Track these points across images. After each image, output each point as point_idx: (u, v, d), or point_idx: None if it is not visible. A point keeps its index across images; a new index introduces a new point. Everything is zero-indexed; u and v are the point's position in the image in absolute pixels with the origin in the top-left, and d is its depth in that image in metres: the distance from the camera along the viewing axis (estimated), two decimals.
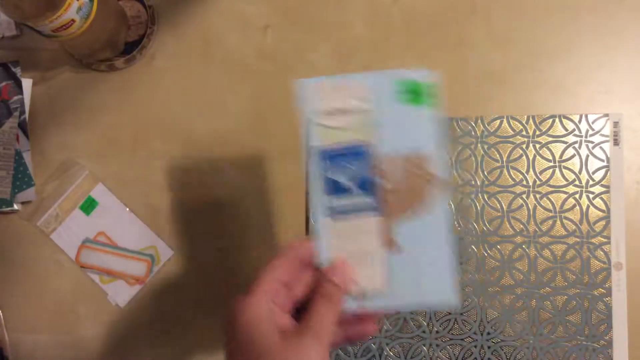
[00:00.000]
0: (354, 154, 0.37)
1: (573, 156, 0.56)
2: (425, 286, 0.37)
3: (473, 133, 0.57)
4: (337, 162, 0.37)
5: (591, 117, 0.56)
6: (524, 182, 0.56)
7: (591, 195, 0.55)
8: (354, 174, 0.37)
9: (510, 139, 0.56)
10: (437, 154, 0.36)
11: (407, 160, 0.36)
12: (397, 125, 0.36)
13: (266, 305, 0.34)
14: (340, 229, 0.37)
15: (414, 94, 0.36)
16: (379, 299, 0.37)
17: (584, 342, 0.54)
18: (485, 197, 0.56)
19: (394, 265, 0.37)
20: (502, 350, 0.55)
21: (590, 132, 0.55)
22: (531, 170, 0.56)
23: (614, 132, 0.55)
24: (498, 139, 0.56)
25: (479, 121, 0.57)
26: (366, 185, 0.37)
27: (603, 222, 0.55)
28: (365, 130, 0.37)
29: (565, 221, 0.55)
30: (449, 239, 0.37)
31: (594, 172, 0.55)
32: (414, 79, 0.37)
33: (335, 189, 0.37)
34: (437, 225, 0.37)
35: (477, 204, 0.56)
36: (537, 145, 0.56)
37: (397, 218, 0.37)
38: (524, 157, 0.56)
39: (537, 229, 0.55)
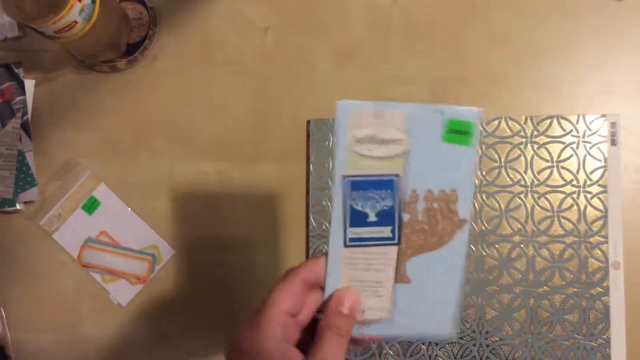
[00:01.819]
0: (382, 184, 0.36)
1: (571, 156, 0.56)
2: (426, 317, 0.37)
3: None
4: (363, 191, 0.36)
5: (589, 118, 0.56)
6: (522, 182, 0.56)
7: (589, 195, 0.55)
8: (379, 205, 0.36)
9: (509, 139, 0.57)
10: (467, 193, 0.35)
11: (435, 197, 0.36)
12: (433, 161, 0.35)
13: (275, 343, 0.33)
14: (355, 258, 0.36)
15: (460, 133, 0.35)
16: (379, 327, 0.37)
17: (582, 341, 0.54)
18: (484, 197, 0.56)
19: (399, 296, 0.37)
20: (501, 348, 0.55)
21: (588, 132, 0.56)
22: (529, 170, 0.56)
23: (612, 132, 0.56)
24: (496, 139, 0.57)
25: None
26: (389, 218, 0.36)
27: (601, 222, 0.55)
28: (398, 162, 0.35)
29: (563, 221, 0.55)
30: (461, 277, 0.36)
31: (591, 172, 0.56)
32: (465, 120, 0.35)
33: (357, 217, 0.36)
34: (450, 263, 0.36)
35: (476, 204, 0.56)
36: (535, 146, 0.56)
37: (415, 253, 0.36)
38: (522, 157, 0.56)
39: (535, 229, 0.56)
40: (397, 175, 0.36)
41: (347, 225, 0.36)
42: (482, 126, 0.35)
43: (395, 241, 0.36)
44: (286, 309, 0.34)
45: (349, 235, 0.36)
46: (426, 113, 0.35)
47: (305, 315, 0.36)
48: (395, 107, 0.35)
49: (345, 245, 0.36)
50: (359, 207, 0.36)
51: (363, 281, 0.36)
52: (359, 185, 0.36)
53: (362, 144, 0.35)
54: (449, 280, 0.36)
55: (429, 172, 0.35)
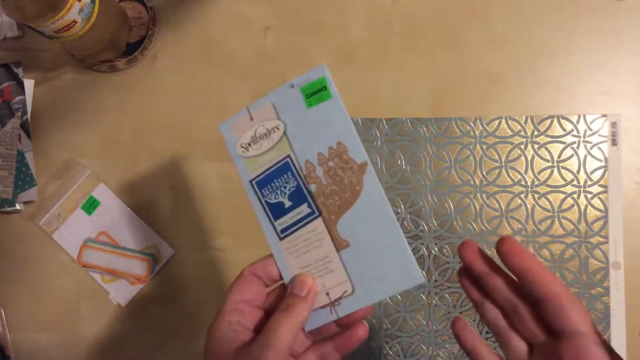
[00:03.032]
0: (280, 171, 0.38)
1: (571, 156, 0.56)
2: (385, 273, 0.36)
3: (472, 133, 0.57)
4: (269, 184, 0.38)
5: (589, 118, 0.56)
6: (523, 182, 0.56)
7: (589, 195, 0.55)
8: (286, 190, 0.38)
9: (509, 139, 0.57)
10: (352, 139, 0.36)
11: (327, 157, 0.37)
12: (309, 128, 0.37)
13: (226, 326, 0.36)
14: (291, 246, 0.38)
15: (317, 92, 0.37)
16: (350, 302, 0.37)
17: None
18: (484, 197, 0.56)
19: (347, 262, 0.37)
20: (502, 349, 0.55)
21: (589, 132, 0.56)
22: (529, 170, 0.56)
23: (612, 132, 0.56)
24: (497, 139, 0.57)
25: (478, 121, 0.57)
26: (300, 196, 0.38)
27: (601, 222, 0.55)
28: (283, 145, 0.38)
29: (563, 221, 0.55)
30: (391, 217, 0.36)
31: (592, 172, 0.56)
32: (314, 80, 0.37)
33: (276, 210, 0.38)
34: (375, 209, 0.36)
35: (476, 204, 0.56)
36: (536, 146, 0.56)
37: (338, 215, 0.37)
38: (523, 157, 0.56)
39: (535, 229, 0.56)
40: (287, 156, 0.38)
41: (273, 220, 0.38)
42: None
43: (316, 213, 0.37)
44: (240, 298, 0.37)
45: (279, 228, 0.38)
46: (284, 93, 0.38)
47: (269, 307, 0.38)
48: (260, 102, 0.38)
49: (281, 239, 0.38)
50: (273, 200, 0.38)
51: (310, 264, 0.38)
52: (263, 182, 0.39)
53: (249, 147, 0.39)
54: (384, 228, 0.36)
55: (311, 139, 0.37)
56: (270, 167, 0.38)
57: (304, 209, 0.38)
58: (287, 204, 0.38)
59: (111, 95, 0.61)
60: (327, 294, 0.37)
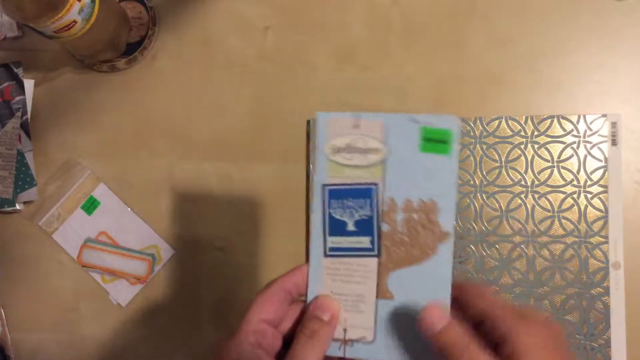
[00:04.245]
0: (360, 193, 0.35)
1: (571, 156, 0.56)
2: (413, 341, 0.34)
3: (472, 133, 0.57)
4: (342, 200, 0.36)
5: (589, 118, 0.56)
6: (523, 182, 0.56)
7: (589, 195, 0.55)
8: (357, 214, 0.35)
9: (509, 139, 0.57)
10: (449, 204, 0.34)
11: (415, 208, 0.35)
12: (411, 170, 0.35)
13: (247, 348, 0.33)
14: (334, 268, 0.36)
15: (437, 141, 0.34)
16: (364, 349, 0.35)
17: (582, 341, 0.54)
18: (484, 197, 0.56)
19: (381, 313, 0.35)
20: None
21: (589, 132, 0.56)
22: (529, 170, 0.56)
23: (612, 132, 0.56)
24: (497, 139, 0.57)
25: (478, 121, 0.57)
26: (367, 228, 0.35)
27: (601, 222, 0.55)
28: (376, 170, 0.35)
29: (563, 221, 0.55)
30: (446, 296, 0.34)
31: (592, 172, 0.56)
32: (441, 128, 0.34)
33: (336, 226, 0.36)
34: (436, 278, 0.34)
35: (476, 204, 0.56)
36: (536, 146, 0.56)
37: (396, 266, 0.35)
38: (523, 157, 0.56)
39: (535, 229, 0.56)
40: (375, 184, 0.35)
41: (327, 234, 0.36)
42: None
43: (375, 252, 0.35)
44: (262, 317, 0.34)
45: (329, 245, 0.36)
46: (402, 122, 0.35)
47: (287, 327, 0.35)
48: (372, 116, 0.35)
49: (326, 255, 0.36)
50: (337, 216, 0.36)
51: (344, 294, 0.35)
52: (337, 194, 0.36)
53: (340, 152, 0.36)
54: (435, 298, 0.34)
55: (408, 181, 0.35)
56: (352, 184, 0.35)
57: (364, 242, 0.35)
58: (351, 227, 0.35)
59: (111, 95, 0.61)
60: (345, 330, 0.35)
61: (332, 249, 0.36)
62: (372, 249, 0.35)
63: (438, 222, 0.34)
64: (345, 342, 0.35)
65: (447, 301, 0.34)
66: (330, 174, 0.36)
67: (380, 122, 0.35)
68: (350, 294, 0.35)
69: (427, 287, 0.34)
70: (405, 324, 0.34)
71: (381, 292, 0.35)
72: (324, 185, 0.36)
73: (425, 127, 0.34)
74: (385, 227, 0.35)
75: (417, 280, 0.34)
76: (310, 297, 0.36)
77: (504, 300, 0.33)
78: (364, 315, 0.35)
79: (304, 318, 0.34)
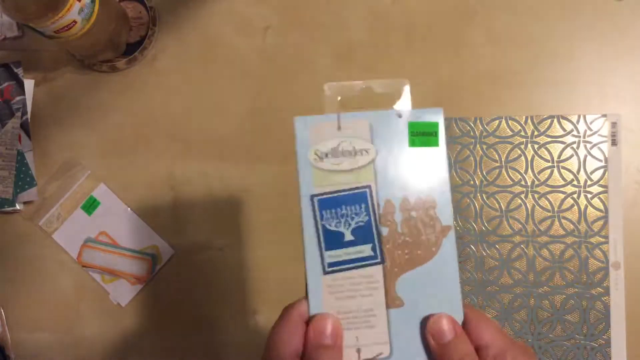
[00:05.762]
0: (353, 198, 0.33)
1: (571, 156, 0.56)
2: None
3: (472, 133, 0.57)
4: (334, 209, 0.33)
5: (589, 118, 0.56)
6: (523, 182, 0.56)
7: (589, 195, 0.55)
8: (353, 221, 0.33)
9: (509, 139, 0.57)
10: (445, 196, 0.33)
11: (412, 206, 0.33)
12: (403, 167, 0.33)
13: None
14: (335, 285, 0.33)
15: (424, 135, 0.33)
16: None
17: (582, 341, 0.54)
18: (484, 197, 0.56)
19: (397, 324, 0.32)
20: None
21: (589, 132, 0.56)
22: (529, 170, 0.56)
23: (612, 132, 0.56)
24: (497, 139, 0.57)
25: (478, 121, 0.57)
26: (367, 235, 0.33)
27: (601, 222, 0.55)
28: (367, 172, 0.33)
29: (563, 221, 0.55)
30: (457, 291, 0.32)
31: (592, 172, 0.56)
32: (427, 121, 0.33)
33: (332, 239, 0.33)
34: (443, 275, 0.33)
35: (476, 204, 0.56)
36: (536, 146, 0.56)
37: (402, 270, 0.33)
38: (523, 157, 0.56)
39: (535, 229, 0.56)
40: (368, 187, 0.33)
41: (323, 249, 0.33)
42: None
43: (378, 259, 0.33)
44: (289, 352, 0.31)
45: (327, 260, 0.33)
46: (387, 119, 0.33)
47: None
48: (354, 115, 0.34)
49: (325, 272, 0.33)
50: (332, 227, 0.33)
51: (351, 312, 0.32)
52: (329, 204, 0.33)
53: (326, 158, 0.33)
54: (447, 297, 0.32)
55: (401, 179, 0.33)
56: (343, 191, 0.33)
57: (365, 250, 0.33)
58: (348, 237, 0.33)
59: (111, 95, 0.61)
60: (358, 350, 0.32)
61: (330, 265, 0.33)
62: (374, 257, 0.33)
63: (437, 216, 0.33)
64: None
65: (459, 303, 0.32)
66: (317, 183, 0.33)
67: (364, 121, 0.33)
68: (358, 310, 0.33)
69: (437, 287, 0.33)
70: (421, 330, 0.33)
71: (390, 300, 0.33)
72: (313, 196, 0.33)
73: (411, 122, 0.33)
74: (385, 231, 0.33)
75: (425, 282, 0.33)
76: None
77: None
78: (376, 329, 0.32)
79: (307, 348, 0.31)
